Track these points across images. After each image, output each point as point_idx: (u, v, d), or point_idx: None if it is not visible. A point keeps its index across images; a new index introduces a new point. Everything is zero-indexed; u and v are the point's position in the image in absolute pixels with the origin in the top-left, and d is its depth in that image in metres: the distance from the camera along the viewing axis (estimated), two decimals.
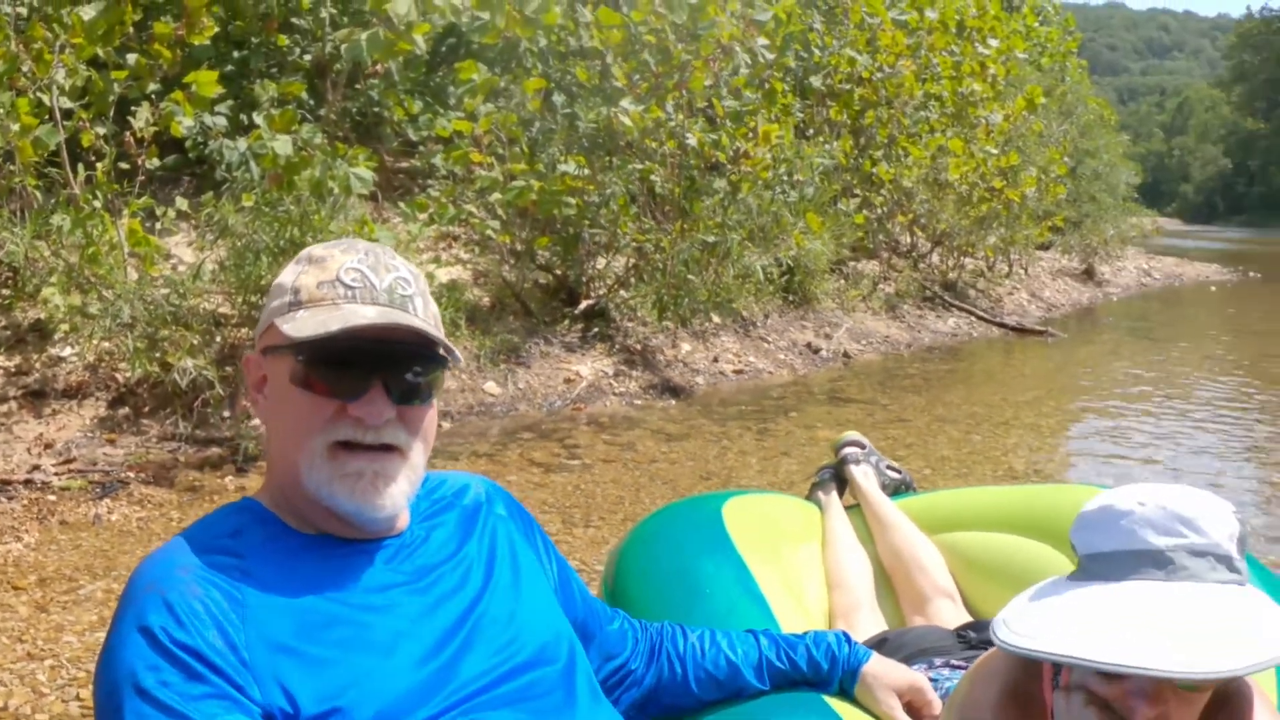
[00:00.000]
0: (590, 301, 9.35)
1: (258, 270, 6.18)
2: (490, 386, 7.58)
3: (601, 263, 9.73)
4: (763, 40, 8.73)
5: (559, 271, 9.42)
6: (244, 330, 6.39)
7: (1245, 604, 1.54)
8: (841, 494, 3.58)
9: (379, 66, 6.21)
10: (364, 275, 1.69)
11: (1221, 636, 1.46)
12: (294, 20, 8.15)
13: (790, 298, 11.63)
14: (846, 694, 2.19)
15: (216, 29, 5.45)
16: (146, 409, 6.17)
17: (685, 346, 9.48)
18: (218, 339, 6.28)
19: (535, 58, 9.06)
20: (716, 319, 10.25)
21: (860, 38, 13.64)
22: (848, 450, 3.69)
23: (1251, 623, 1.50)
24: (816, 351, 10.57)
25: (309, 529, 1.69)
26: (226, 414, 6.30)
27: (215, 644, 1.49)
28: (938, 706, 2.19)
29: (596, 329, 9.13)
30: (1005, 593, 2.85)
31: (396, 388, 1.66)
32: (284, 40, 7.91)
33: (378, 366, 1.65)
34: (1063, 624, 1.56)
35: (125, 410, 6.14)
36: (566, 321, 9.05)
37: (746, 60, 8.89)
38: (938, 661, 2.49)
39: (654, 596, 2.58)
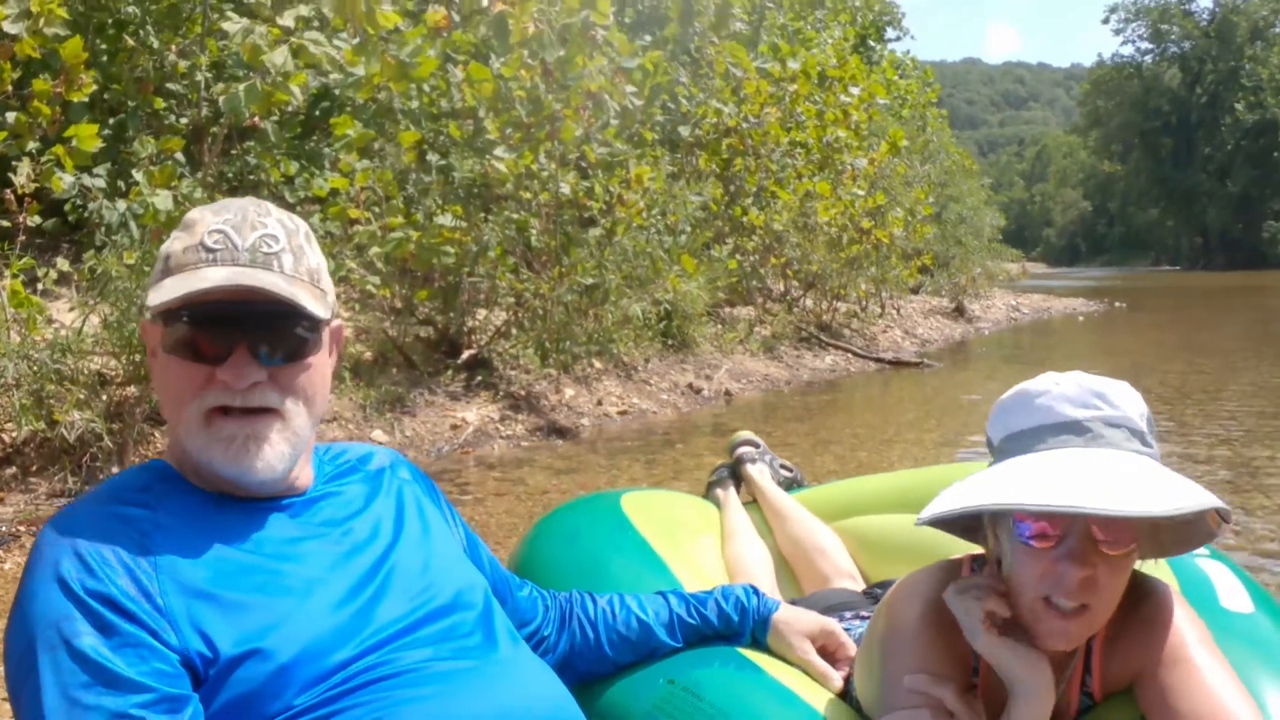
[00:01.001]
0: (472, 352, 9.43)
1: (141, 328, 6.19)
2: (377, 434, 7.63)
3: (482, 314, 9.83)
4: (631, 88, 8.91)
5: (440, 323, 9.49)
6: (130, 388, 6.38)
7: (1163, 469, 1.64)
8: (738, 491, 3.61)
9: (257, 120, 6.26)
10: (226, 236, 1.66)
11: (1147, 487, 1.56)
12: (169, 85, 8.19)
13: (669, 342, 11.79)
14: (759, 644, 2.23)
15: (95, 86, 5.47)
16: (34, 467, 6.11)
17: (569, 391, 9.58)
18: (104, 396, 6.26)
19: (408, 118, 9.16)
20: (598, 364, 10.38)
21: (725, 88, 13.93)
22: (743, 449, 3.72)
23: (1174, 479, 1.60)
24: (698, 392, 10.74)
25: (212, 488, 1.68)
26: (116, 468, 6.27)
27: (128, 590, 1.49)
28: (851, 648, 2.24)
29: (480, 377, 9.20)
30: (905, 567, 2.99)
31: (263, 349, 1.64)
32: (160, 103, 7.94)
33: (240, 328, 1.63)
34: (987, 489, 1.64)
35: (12, 470, 6.08)
36: (450, 372, 9.11)
37: (616, 109, 9.06)
38: (848, 614, 2.52)
39: (562, 578, 2.52)
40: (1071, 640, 1.67)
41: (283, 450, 1.67)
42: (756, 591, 2.28)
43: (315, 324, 1.70)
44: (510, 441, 8.21)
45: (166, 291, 1.61)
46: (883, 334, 17.28)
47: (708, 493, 3.67)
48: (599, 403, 9.58)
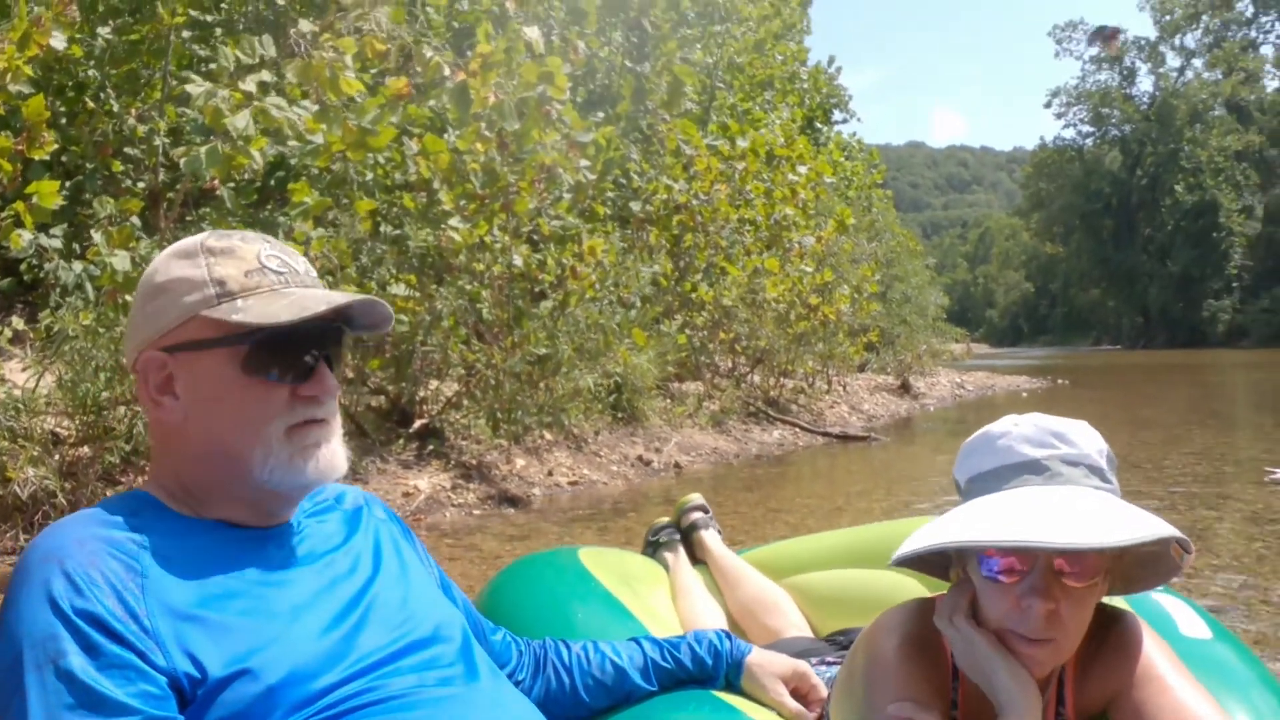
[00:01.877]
0: (424, 421, 9.46)
1: (96, 388, 6.20)
2: None
3: (433, 384, 9.87)
4: (584, 162, 9.02)
5: (391, 393, 9.52)
6: (84, 449, 6.37)
7: (1122, 503, 1.69)
8: (687, 553, 3.61)
9: (215, 183, 6.30)
10: (284, 260, 1.73)
11: (1105, 519, 1.61)
12: (127, 150, 8.24)
13: (619, 415, 11.85)
14: (733, 686, 2.25)
15: (56, 145, 5.50)
16: None
17: (520, 462, 9.61)
18: (56, 456, 6.24)
19: (363, 190, 9.22)
20: (549, 435, 10.42)
21: (676, 165, 14.09)
22: (695, 516, 3.74)
23: (1132, 511, 1.65)
24: (648, 464, 10.78)
25: (203, 516, 1.69)
26: None
27: (115, 611, 1.48)
28: (822, 690, 2.28)
29: (431, 446, 9.22)
30: (855, 620, 3.05)
31: (333, 363, 1.74)
32: (118, 166, 7.98)
33: (324, 345, 1.71)
34: (952, 527, 1.68)
35: None
36: (401, 441, 9.13)
37: (569, 183, 9.17)
38: (813, 660, 2.52)
39: (529, 627, 2.51)
40: (1041, 668, 1.70)
41: (343, 451, 1.75)
42: (729, 635, 2.30)
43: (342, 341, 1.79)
44: (462, 510, 8.22)
45: (273, 310, 1.65)
46: (830, 410, 17.39)
47: (653, 552, 3.69)
48: (550, 473, 9.61)
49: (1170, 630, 2.25)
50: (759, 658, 2.27)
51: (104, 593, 1.49)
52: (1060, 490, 1.69)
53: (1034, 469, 1.72)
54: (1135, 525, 1.60)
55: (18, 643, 1.46)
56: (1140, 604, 2.30)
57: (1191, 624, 2.33)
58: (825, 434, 14.47)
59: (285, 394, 1.67)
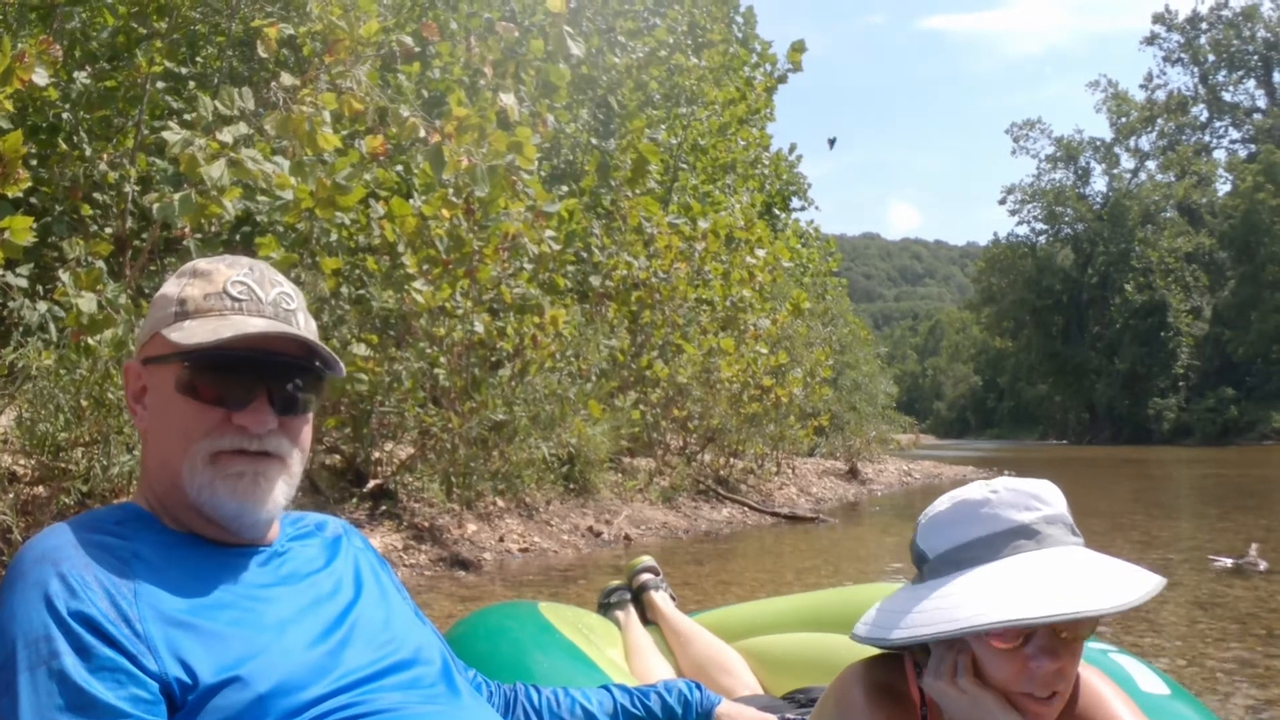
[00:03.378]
0: (377, 481, 9.47)
1: (55, 428, 6.18)
2: None
3: (389, 446, 9.89)
4: (549, 232, 9.12)
5: (346, 452, 9.53)
6: (39, 488, 6.33)
7: (1098, 555, 1.73)
8: (638, 613, 3.67)
9: (186, 230, 6.33)
10: (250, 288, 1.75)
11: (1109, 579, 1.66)
12: (96, 194, 8.27)
13: (571, 485, 11.88)
14: None
15: (29, 183, 5.52)
16: None
17: (471, 526, 9.61)
18: (11, 493, 6.21)
19: (326, 249, 9.25)
20: (500, 502, 10.44)
21: (637, 241, 14.22)
22: (646, 577, 3.80)
23: (1119, 565, 1.71)
24: (598, 535, 10.79)
25: (186, 530, 1.71)
26: None
27: (108, 614, 1.49)
28: None
29: (384, 507, 9.23)
30: (808, 680, 3.08)
31: (280, 398, 1.72)
32: (87, 209, 8.00)
33: (263, 376, 1.70)
34: (966, 603, 1.68)
35: None
36: (355, 500, 9.13)
37: (533, 253, 9.26)
38: (774, 717, 2.51)
39: (493, 675, 2.37)
40: None
41: (283, 493, 1.75)
42: (699, 686, 2.29)
43: (319, 381, 1.81)
44: (414, 570, 8.22)
45: (201, 333, 1.68)
46: (778, 490, 17.45)
47: (604, 613, 3.73)
48: (501, 539, 9.61)
49: (1129, 687, 2.31)
50: (728, 709, 2.27)
51: (98, 595, 1.50)
52: (1055, 553, 1.72)
53: (1025, 534, 1.74)
54: (1140, 579, 1.67)
55: (11, 642, 1.47)
56: (1099, 662, 2.37)
57: (1149, 681, 2.40)
58: (774, 514, 14.52)
59: (217, 418, 1.69)
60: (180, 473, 1.69)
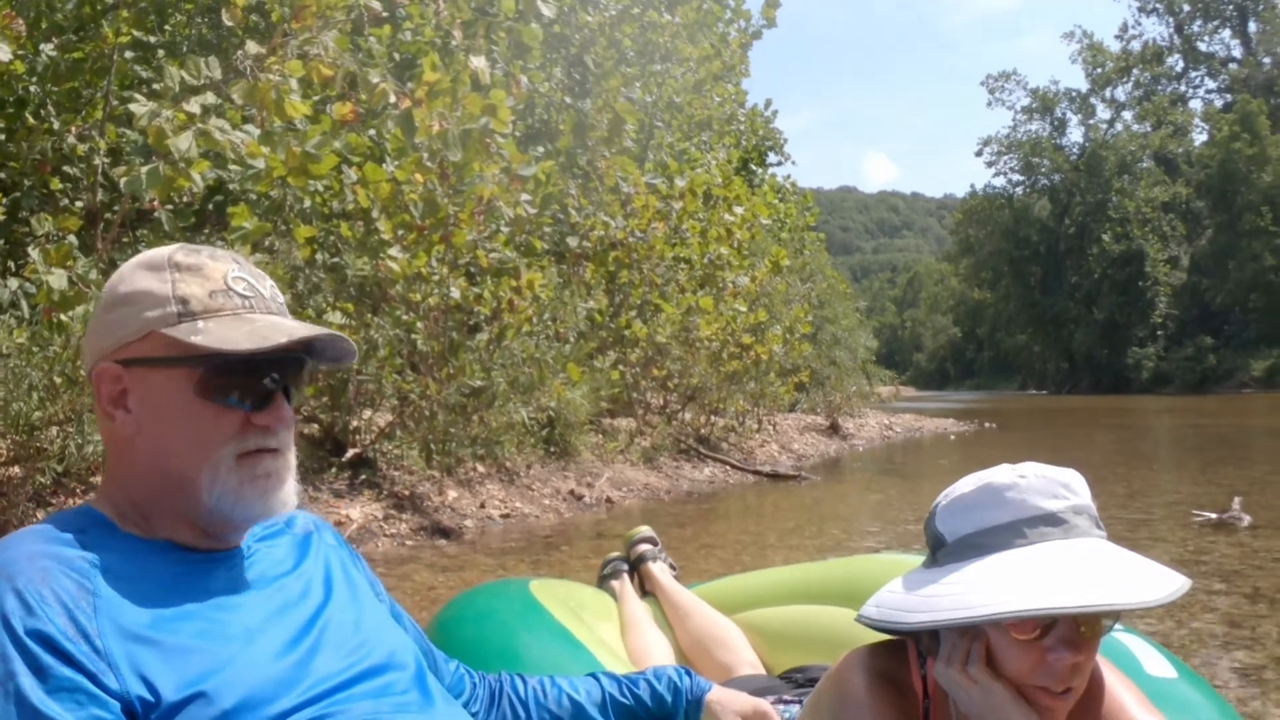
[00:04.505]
0: (356, 451, 9.42)
1: (29, 407, 6.12)
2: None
3: (367, 414, 9.85)
4: (525, 195, 9.04)
5: (324, 421, 9.48)
6: (14, 468, 6.28)
7: (1124, 550, 1.69)
8: (634, 584, 3.64)
9: (155, 204, 6.25)
10: (250, 284, 1.69)
11: (1136, 574, 1.63)
12: (66, 168, 8.17)
13: (551, 449, 11.88)
14: None
15: None
16: None
17: (452, 493, 9.59)
18: None
19: (300, 217, 9.16)
20: (481, 468, 10.42)
21: (614, 202, 14.15)
22: (644, 548, 3.76)
23: (1145, 561, 1.67)
24: (580, 498, 10.80)
25: (153, 537, 1.65)
26: None
27: (66, 631, 1.43)
28: None
29: (364, 476, 9.20)
30: (808, 656, 3.05)
31: (291, 393, 1.70)
32: (57, 184, 7.91)
33: (280, 374, 1.66)
34: (988, 589, 1.64)
35: None
36: (334, 470, 9.09)
37: (509, 216, 9.19)
38: (770, 699, 2.48)
39: (480, 660, 2.49)
40: (1059, 717, 1.70)
41: (294, 485, 1.71)
42: (689, 672, 2.24)
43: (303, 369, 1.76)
44: (394, 540, 8.20)
45: (231, 337, 1.61)
46: (760, 448, 17.51)
47: (602, 585, 3.70)
48: (482, 505, 9.60)
49: (1136, 670, 2.28)
50: (719, 695, 2.21)
51: (55, 611, 1.44)
52: (1082, 543, 1.68)
53: (1051, 521, 1.70)
54: (1168, 575, 1.64)
55: None
56: (1107, 645, 2.34)
57: (1156, 664, 2.36)
58: (755, 472, 14.57)
59: (239, 419, 1.63)
60: (197, 480, 1.62)
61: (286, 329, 1.64)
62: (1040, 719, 1.67)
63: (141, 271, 1.68)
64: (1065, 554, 1.65)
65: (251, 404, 1.64)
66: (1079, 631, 1.64)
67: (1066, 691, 1.67)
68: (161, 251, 1.71)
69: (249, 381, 1.64)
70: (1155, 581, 1.61)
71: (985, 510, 1.74)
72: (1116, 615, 1.70)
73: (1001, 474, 1.76)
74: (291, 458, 1.72)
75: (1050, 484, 1.73)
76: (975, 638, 1.72)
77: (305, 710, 1.56)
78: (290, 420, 1.70)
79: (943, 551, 1.79)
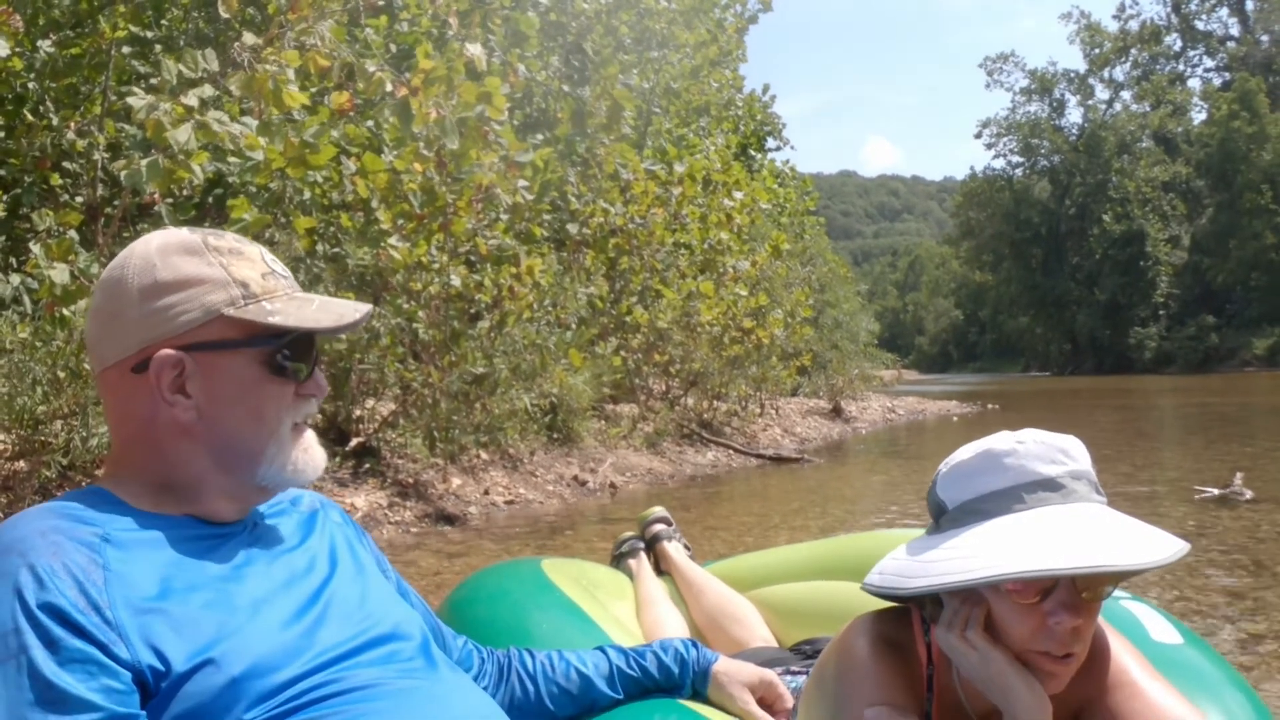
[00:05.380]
0: (360, 440, 9.46)
1: (33, 402, 6.15)
2: None
3: (370, 403, 9.88)
4: (523, 182, 9.05)
5: (327, 411, 9.50)
6: (20, 463, 6.31)
7: (1123, 515, 1.70)
8: (649, 563, 3.66)
9: (156, 196, 6.26)
10: (280, 267, 1.77)
11: (1135, 537, 1.63)
12: (66, 164, 8.20)
13: (555, 435, 11.90)
14: (700, 695, 2.20)
15: None
16: None
17: (456, 481, 9.62)
18: None
19: (300, 208, 9.17)
20: (484, 455, 10.45)
21: (613, 188, 14.15)
22: (658, 528, 3.79)
23: (1143, 526, 1.67)
24: (583, 484, 10.82)
25: (164, 512, 1.66)
26: None
27: (77, 603, 1.45)
28: (789, 699, 2.25)
29: (368, 465, 9.23)
30: (820, 630, 3.08)
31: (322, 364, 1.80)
32: (57, 179, 7.94)
33: (315, 349, 1.76)
34: (985, 553, 1.65)
35: None
36: (338, 459, 9.12)
37: (507, 203, 9.20)
38: (779, 670, 2.51)
39: (492, 637, 2.45)
40: (1060, 683, 1.70)
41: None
42: (695, 644, 2.26)
43: None
44: (399, 527, 8.23)
45: (302, 315, 1.69)
46: (763, 432, 17.53)
47: (616, 564, 3.72)
48: (486, 492, 9.63)
49: (1141, 636, 2.27)
50: (725, 666, 2.24)
51: (67, 584, 1.46)
52: (1080, 508, 1.69)
53: (1050, 486, 1.71)
54: (1166, 539, 1.64)
55: None
56: (1112, 611, 2.35)
57: (1161, 629, 2.36)
58: (759, 455, 14.59)
59: (291, 392, 1.71)
60: (261, 454, 1.69)
61: (348, 307, 1.74)
62: (1042, 684, 1.67)
63: (178, 257, 1.69)
64: (1064, 518, 1.66)
65: (306, 376, 1.73)
66: (1079, 595, 1.64)
67: (1067, 656, 1.67)
68: (187, 235, 1.72)
69: (307, 356, 1.72)
70: (1153, 544, 1.62)
71: (984, 476, 1.76)
72: (1117, 579, 1.72)
73: (1001, 440, 1.78)
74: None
75: (1049, 449, 1.74)
76: (975, 603, 1.72)
77: (311, 677, 1.58)
78: (326, 389, 1.79)
79: (944, 519, 1.80)
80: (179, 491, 1.69)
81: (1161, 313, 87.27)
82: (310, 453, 1.75)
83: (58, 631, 1.43)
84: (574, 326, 11.98)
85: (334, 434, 9.51)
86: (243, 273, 1.68)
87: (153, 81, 7.39)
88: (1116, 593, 2.54)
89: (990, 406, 29.95)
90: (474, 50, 7.19)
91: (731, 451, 14.63)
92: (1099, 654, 1.81)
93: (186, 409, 1.66)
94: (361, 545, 1.98)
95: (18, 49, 7.41)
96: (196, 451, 1.69)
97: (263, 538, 1.77)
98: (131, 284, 1.68)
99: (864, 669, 1.79)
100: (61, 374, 6.20)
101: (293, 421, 1.72)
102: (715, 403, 16.80)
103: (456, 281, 9.24)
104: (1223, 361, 76.41)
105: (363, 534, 2.04)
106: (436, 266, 9.14)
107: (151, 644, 1.48)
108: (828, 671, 1.87)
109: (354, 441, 9.40)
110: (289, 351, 1.69)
